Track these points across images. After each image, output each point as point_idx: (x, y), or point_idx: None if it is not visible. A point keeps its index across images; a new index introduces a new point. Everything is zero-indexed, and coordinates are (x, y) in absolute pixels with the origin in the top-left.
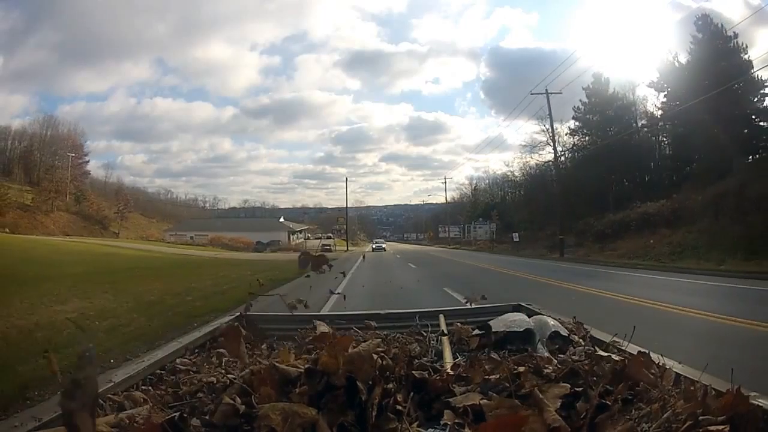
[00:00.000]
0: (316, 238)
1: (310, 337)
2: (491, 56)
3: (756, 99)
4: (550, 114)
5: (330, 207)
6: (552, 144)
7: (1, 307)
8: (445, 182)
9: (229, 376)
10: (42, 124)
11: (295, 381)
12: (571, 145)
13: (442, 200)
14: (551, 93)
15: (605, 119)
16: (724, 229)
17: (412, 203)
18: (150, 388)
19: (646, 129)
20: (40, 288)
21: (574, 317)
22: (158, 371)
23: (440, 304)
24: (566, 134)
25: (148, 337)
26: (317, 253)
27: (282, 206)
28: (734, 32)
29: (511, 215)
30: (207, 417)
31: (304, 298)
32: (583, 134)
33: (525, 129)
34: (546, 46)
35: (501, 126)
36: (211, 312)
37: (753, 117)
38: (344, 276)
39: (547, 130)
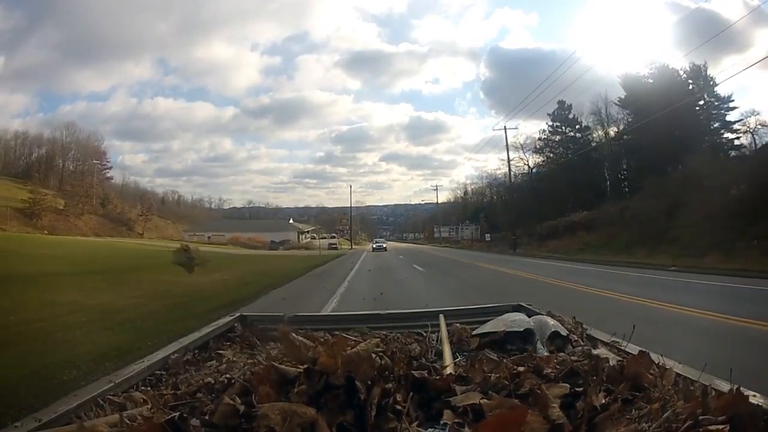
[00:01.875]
0: (322, 238)
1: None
2: (491, 56)
3: (717, 114)
4: (507, 147)
5: (330, 206)
6: (508, 168)
7: (194, 275)
8: (437, 189)
9: (227, 375)
10: (62, 131)
11: (294, 381)
12: (536, 162)
13: (441, 200)
14: (509, 128)
15: (566, 139)
16: (616, 233)
17: (412, 203)
18: (150, 388)
19: (615, 143)
20: (175, 270)
21: (574, 317)
22: (158, 371)
23: (408, 270)
24: (533, 151)
25: (284, 279)
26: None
27: (283, 206)
28: (675, 68)
29: (496, 217)
30: (207, 417)
31: (341, 273)
32: (548, 151)
33: (524, 129)
34: (545, 47)
35: (500, 126)
36: (302, 271)
37: (714, 134)
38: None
39: (524, 146)
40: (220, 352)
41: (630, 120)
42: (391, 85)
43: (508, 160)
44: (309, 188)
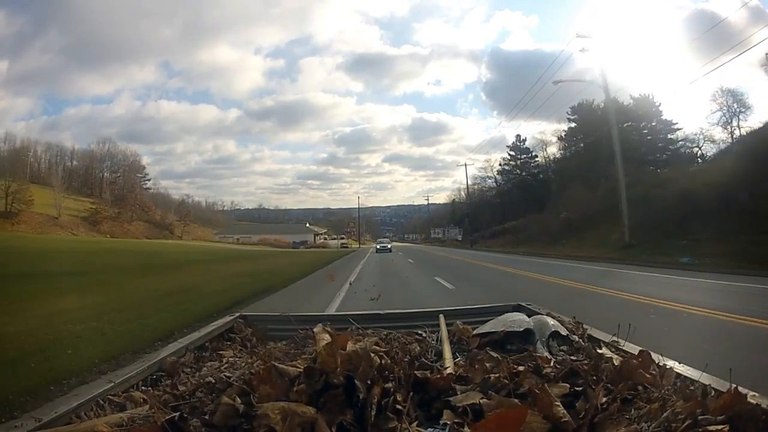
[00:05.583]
0: (333, 239)
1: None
2: (492, 58)
3: (661, 137)
4: (466, 179)
5: (335, 207)
6: (467, 194)
7: (281, 259)
8: (428, 198)
9: (226, 374)
10: (98, 144)
11: (294, 380)
12: (501, 180)
13: (442, 201)
14: (468, 165)
15: (521, 164)
16: (522, 235)
17: (415, 203)
18: (150, 388)
19: (551, 166)
20: (251, 259)
21: (574, 317)
22: (158, 371)
23: (397, 256)
24: (497, 172)
25: (332, 261)
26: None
27: (288, 207)
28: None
29: (477, 220)
30: (207, 417)
31: (361, 256)
32: (507, 172)
33: (525, 130)
34: (546, 48)
35: (502, 127)
36: (339, 257)
37: (661, 152)
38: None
39: (490, 160)
40: (220, 352)
41: (581, 145)
42: (393, 87)
43: (467, 189)
44: (312, 189)
